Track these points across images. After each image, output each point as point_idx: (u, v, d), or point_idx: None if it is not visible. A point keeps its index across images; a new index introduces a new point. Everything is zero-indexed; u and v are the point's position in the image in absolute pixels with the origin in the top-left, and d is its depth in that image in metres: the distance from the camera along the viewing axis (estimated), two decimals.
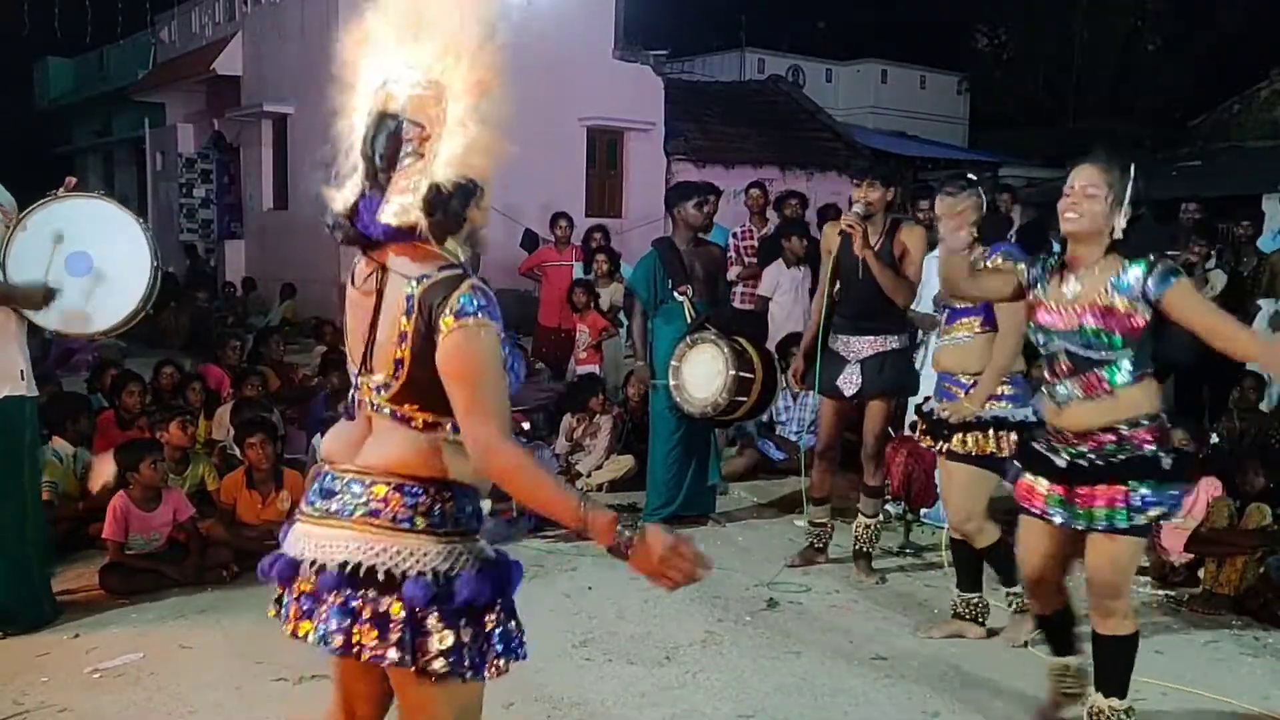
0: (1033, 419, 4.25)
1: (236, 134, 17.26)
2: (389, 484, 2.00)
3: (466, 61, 1.96)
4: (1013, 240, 7.42)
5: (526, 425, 6.85)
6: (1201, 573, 4.86)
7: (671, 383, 5.60)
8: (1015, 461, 3.40)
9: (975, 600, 4.36)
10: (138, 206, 20.13)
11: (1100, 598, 3.16)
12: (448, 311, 1.92)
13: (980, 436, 4.07)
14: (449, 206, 1.97)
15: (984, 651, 4.19)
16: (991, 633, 4.33)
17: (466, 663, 1.96)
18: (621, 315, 8.34)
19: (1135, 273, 3.01)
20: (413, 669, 1.95)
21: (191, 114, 18.97)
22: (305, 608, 2.02)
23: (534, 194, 13.45)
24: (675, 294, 5.73)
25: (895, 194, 4.94)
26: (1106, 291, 3.03)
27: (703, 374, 5.54)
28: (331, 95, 2.04)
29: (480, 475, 1.99)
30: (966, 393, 4.14)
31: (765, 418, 7.04)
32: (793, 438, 7.17)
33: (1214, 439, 5.97)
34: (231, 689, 3.73)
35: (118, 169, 22.93)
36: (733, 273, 7.96)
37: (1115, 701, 3.18)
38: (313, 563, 2.00)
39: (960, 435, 4.09)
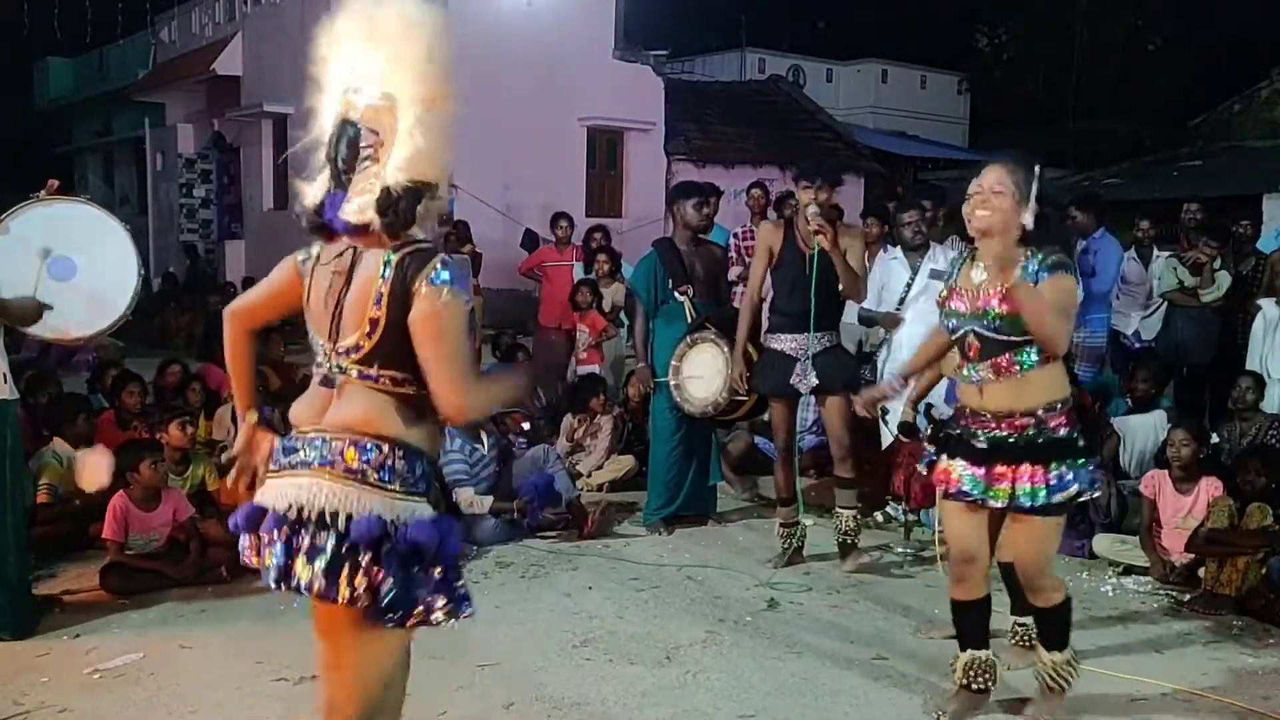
0: None
1: (236, 134, 17.27)
2: (344, 439, 2.17)
3: (413, 76, 2.16)
4: None
5: (526, 425, 6.84)
6: (1202, 573, 4.85)
7: (672, 382, 5.60)
8: (930, 448, 3.55)
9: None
10: (138, 207, 20.18)
11: (1029, 578, 3.44)
12: (423, 279, 2.13)
13: None
14: (398, 207, 2.16)
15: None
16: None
17: (392, 605, 2.12)
18: (623, 315, 8.35)
19: (1035, 261, 3.21)
20: (337, 601, 2.10)
21: (191, 114, 18.98)
22: (263, 544, 2.20)
23: (534, 194, 13.48)
24: (676, 294, 5.73)
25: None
26: (1012, 278, 3.19)
27: (703, 374, 5.54)
28: (308, 92, 2.22)
29: (452, 419, 2.23)
30: None
31: (766, 417, 7.02)
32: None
33: (1215, 439, 5.96)
34: (232, 689, 3.72)
35: (118, 169, 22.94)
36: (734, 273, 7.94)
37: (1057, 655, 3.46)
38: (271, 508, 2.18)
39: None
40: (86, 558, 5.04)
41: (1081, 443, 3.29)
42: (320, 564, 2.09)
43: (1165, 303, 7.50)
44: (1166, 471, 5.26)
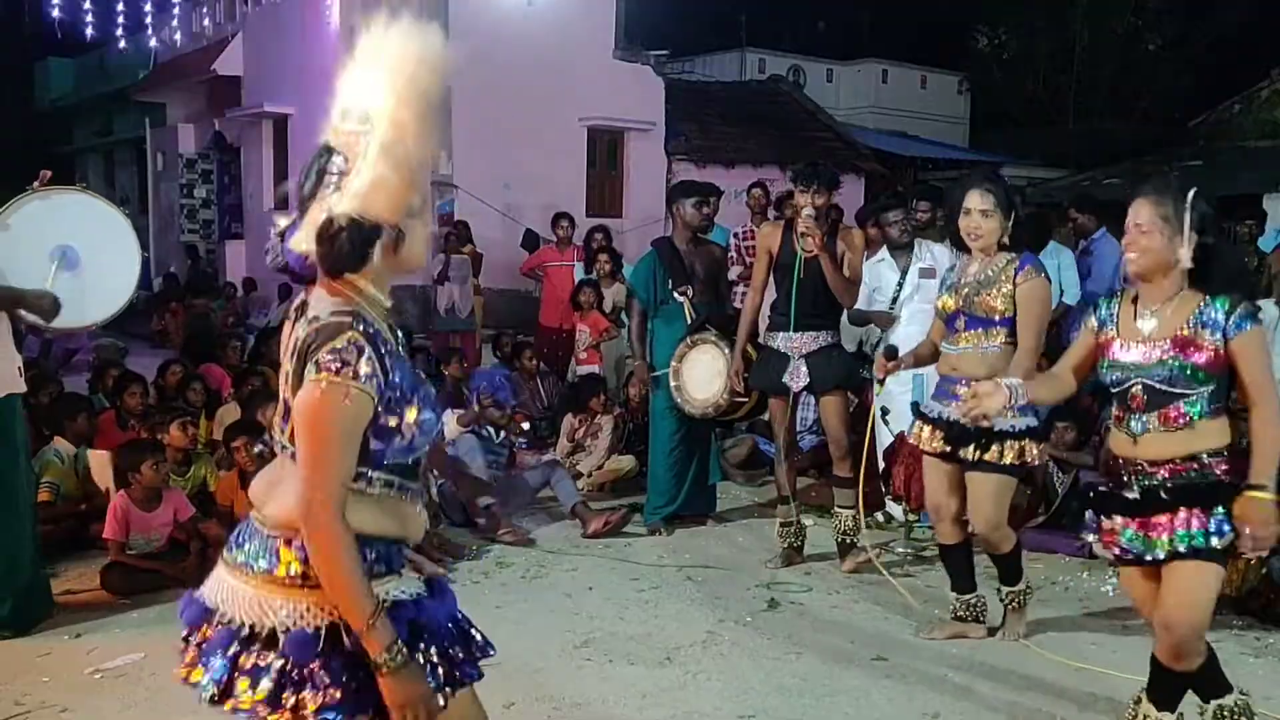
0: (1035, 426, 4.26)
1: (237, 134, 17.27)
2: (281, 538, 1.96)
3: (396, 99, 1.90)
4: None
5: (526, 425, 6.86)
6: None
7: (672, 383, 5.61)
8: (1089, 512, 3.24)
9: (974, 600, 4.36)
10: (138, 207, 20.17)
11: (1181, 635, 3.02)
12: (312, 361, 1.88)
13: (1017, 446, 4.03)
14: (337, 240, 1.91)
15: (984, 651, 4.19)
16: (991, 631, 4.33)
17: (350, 712, 1.90)
18: (624, 315, 8.35)
19: (1219, 309, 2.92)
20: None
21: (192, 114, 18.99)
22: (203, 656, 2.00)
23: (534, 194, 13.48)
24: (675, 294, 5.73)
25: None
26: (1189, 325, 2.94)
27: (703, 374, 5.54)
28: (331, 97, 2.03)
29: (299, 519, 1.90)
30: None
31: (766, 417, 7.03)
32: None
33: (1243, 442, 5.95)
34: None
35: (119, 169, 22.95)
36: (734, 272, 7.96)
37: (1169, 716, 3.16)
38: (219, 614, 1.99)
39: (997, 446, 4.02)
40: (87, 558, 5.05)
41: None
42: (261, 688, 1.89)
43: None
44: None
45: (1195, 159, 17.79)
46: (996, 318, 4.10)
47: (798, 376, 5.02)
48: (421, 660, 1.95)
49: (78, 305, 4.20)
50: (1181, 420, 2.97)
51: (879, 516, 6.01)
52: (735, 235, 8.46)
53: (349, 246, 1.91)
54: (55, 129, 25.58)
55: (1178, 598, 2.99)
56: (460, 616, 2.11)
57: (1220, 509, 2.94)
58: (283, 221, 2.04)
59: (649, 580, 5.01)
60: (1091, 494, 3.25)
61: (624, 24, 15.60)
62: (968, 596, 4.36)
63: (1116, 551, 3.10)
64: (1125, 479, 3.06)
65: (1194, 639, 3.03)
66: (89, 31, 10.26)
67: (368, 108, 1.92)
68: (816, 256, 4.88)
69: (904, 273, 5.91)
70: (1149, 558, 3.00)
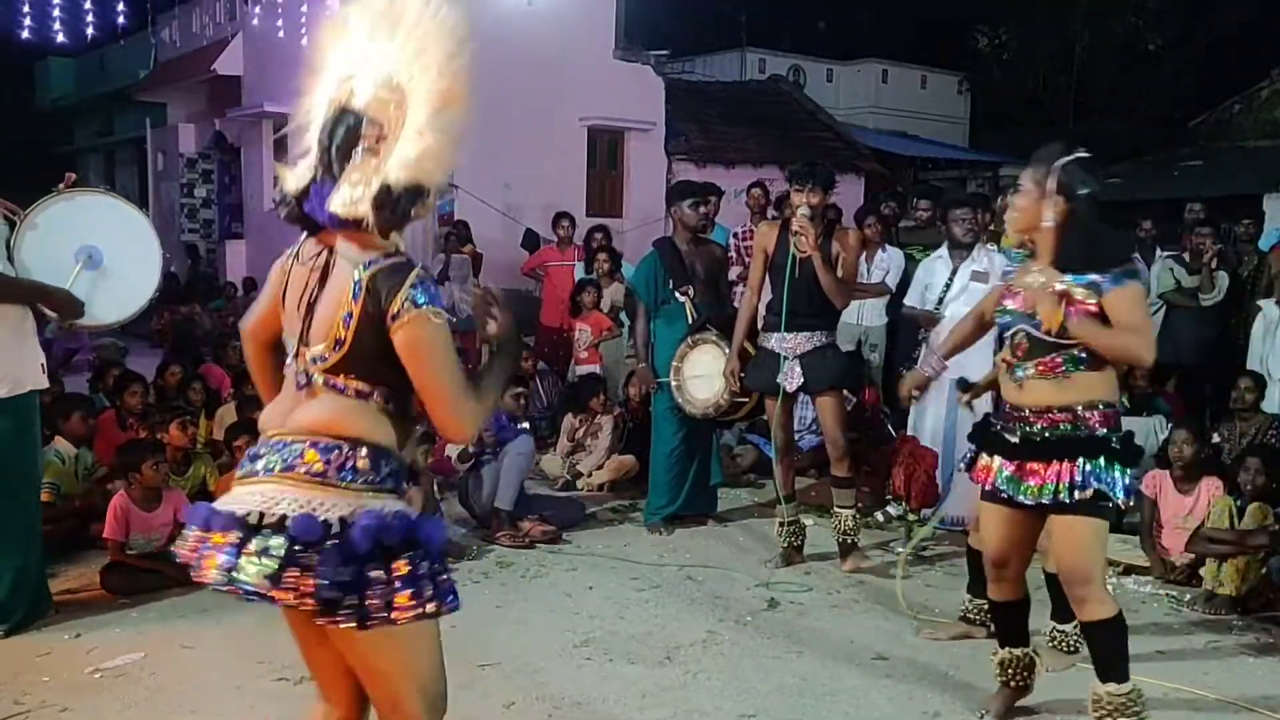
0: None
1: (237, 134, 17.27)
2: (306, 441, 2.10)
3: (435, 71, 2.06)
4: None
5: (526, 425, 6.85)
6: (1203, 572, 4.86)
7: (673, 383, 5.61)
8: (971, 444, 3.42)
9: (985, 605, 4.32)
10: (139, 206, 20.15)
11: (1069, 584, 3.21)
12: (402, 302, 2.05)
13: None
14: (397, 205, 2.08)
15: (984, 651, 4.18)
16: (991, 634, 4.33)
17: (330, 603, 1.99)
18: (623, 315, 8.35)
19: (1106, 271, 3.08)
20: (296, 606, 2.02)
21: (192, 114, 18.99)
22: (208, 549, 2.07)
23: (535, 194, 13.48)
24: (676, 295, 5.73)
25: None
26: (1068, 280, 3.09)
27: (704, 374, 5.54)
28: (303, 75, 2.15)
29: (454, 439, 2.21)
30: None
31: (767, 417, 7.03)
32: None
33: (1215, 439, 5.97)
34: (232, 689, 3.73)
35: (119, 169, 22.94)
36: (734, 272, 7.95)
37: (1113, 686, 3.11)
38: (228, 513, 2.07)
39: None
40: (87, 558, 5.05)
41: (1117, 444, 3.11)
42: (269, 563, 1.98)
43: (1164, 304, 7.51)
44: (1167, 472, 5.27)
45: (1195, 159, 17.81)
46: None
47: (792, 377, 5.01)
48: (410, 569, 2.06)
49: (99, 305, 4.28)
50: (1058, 370, 3.12)
51: (879, 516, 6.02)
52: (735, 235, 8.46)
53: (407, 210, 2.10)
54: (56, 129, 25.58)
55: (1061, 545, 3.21)
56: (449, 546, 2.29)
57: (1086, 462, 3.08)
58: (293, 176, 2.14)
59: (649, 580, 5.01)
60: (980, 430, 3.38)
61: (624, 24, 15.61)
62: (980, 601, 4.19)
63: (988, 489, 3.28)
64: (1009, 424, 3.23)
65: (1084, 584, 3.15)
66: (59, 37, 10.29)
67: (395, 76, 2.06)
68: (809, 259, 4.88)
69: (954, 273, 5.83)
70: (1017, 499, 3.18)
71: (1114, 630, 3.17)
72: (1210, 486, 5.11)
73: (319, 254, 2.16)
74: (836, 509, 5.15)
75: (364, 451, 2.10)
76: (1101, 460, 3.09)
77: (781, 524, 5.25)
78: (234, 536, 2.01)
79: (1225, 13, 23.50)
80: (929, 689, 3.83)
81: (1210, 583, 4.76)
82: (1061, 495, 3.09)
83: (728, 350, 5.42)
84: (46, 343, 9.20)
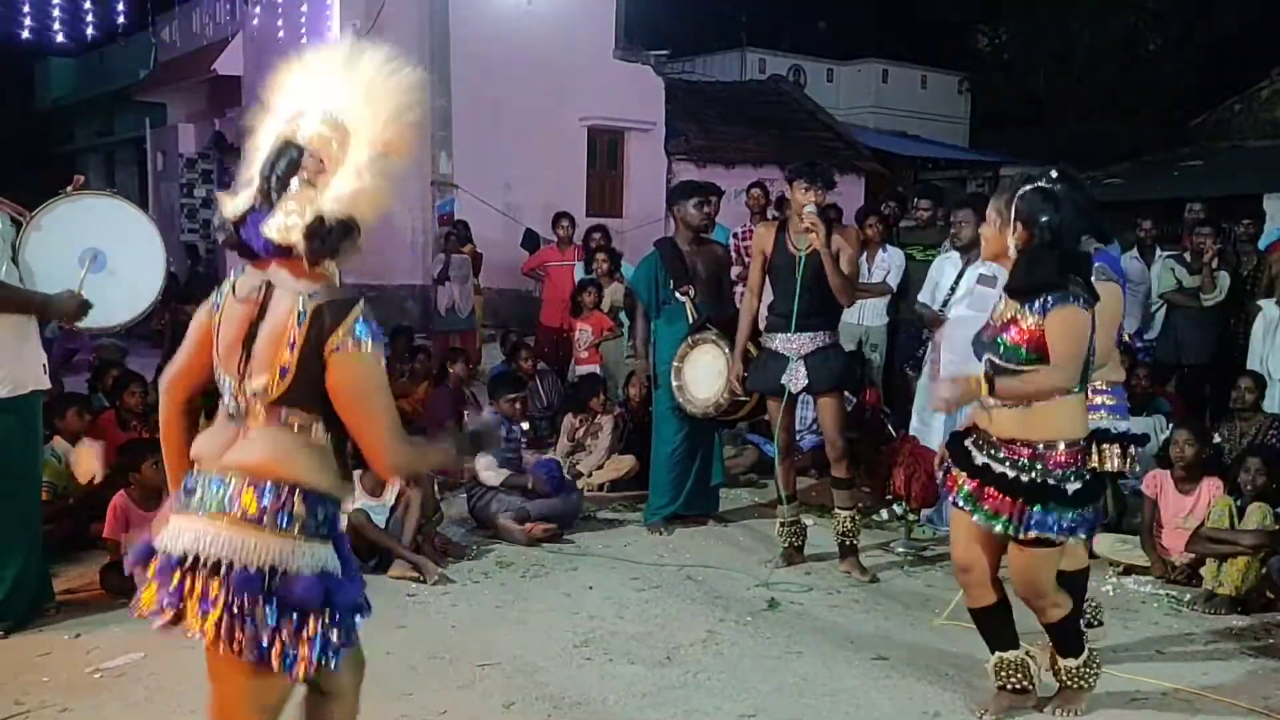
0: (1135, 432, 4.22)
1: (237, 134, 17.26)
2: (247, 481, 2.15)
3: (383, 119, 2.15)
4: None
5: (526, 425, 6.85)
6: (1202, 573, 4.86)
7: (674, 383, 5.61)
8: (948, 455, 3.48)
9: (1019, 660, 4.15)
10: (139, 207, 20.16)
11: (1025, 599, 3.44)
12: (343, 334, 2.13)
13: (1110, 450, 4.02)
14: (328, 237, 2.14)
15: (984, 651, 4.18)
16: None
17: (274, 655, 2.10)
18: (622, 315, 8.35)
19: (1047, 295, 3.16)
20: (230, 651, 2.10)
21: (192, 114, 18.98)
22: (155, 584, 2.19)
23: (535, 194, 13.48)
24: (677, 294, 5.73)
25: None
26: (1023, 309, 3.19)
27: (705, 374, 5.54)
28: (254, 111, 2.23)
29: (381, 475, 2.30)
30: None
31: (767, 417, 7.03)
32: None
33: (1216, 439, 5.97)
34: None
35: (119, 169, 22.92)
36: (733, 272, 7.95)
37: (1072, 660, 3.49)
38: (165, 551, 2.18)
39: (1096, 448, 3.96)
40: (87, 558, 5.05)
41: (1073, 489, 3.20)
42: (211, 617, 2.09)
43: (1165, 304, 7.51)
44: (1168, 472, 5.27)
45: (1195, 159, 17.80)
46: None
47: (796, 378, 5.01)
48: (319, 629, 2.14)
49: (104, 307, 4.28)
50: (1022, 401, 3.21)
51: (883, 514, 6.02)
52: (735, 235, 8.46)
53: (336, 243, 2.16)
54: (56, 129, 25.58)
55: (1014, 567, 3.38)
56: (362, 603, 2.29)
57: (1040, 506, 3.18)
58: (232, 203, 2.22)
59: (649, 580, 5.01)
60: (956, 441, 3.46)
61: (624, 24, 15.60)
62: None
63: (952, 499, 3.41)
64: (979, 444, 3.34)
65: (1039, 598, 3.40)
66: (59, 37, 10.32)
67: (340, 117, 2.16)
68: (814, 257, 4.87)
69: (960, 274, 5.76)
70: (974, 518, 3.30)
71: (1070, 622, 3.49)
72: (1211, 486, 5.11)
73: (258, 287, 2.20)
74: (836, 510, 5.15)
75: (300, 496, 2.15)
76: (1051, 504, 3.18)
77: (783, 524, 5.25)
78: (173, 578, 2.12)
79: (1225, 13, 23.49)
80: (929, 689, 3.83)
81: (1210, 583, 4.76)
82: (1010, 530, 3.23)
83: (728, 350, 5.42)
84: (47, 342, 9.19)
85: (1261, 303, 6.91)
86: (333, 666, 2.19)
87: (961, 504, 3.34)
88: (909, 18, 28.06)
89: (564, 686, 3.80)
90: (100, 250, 4.25)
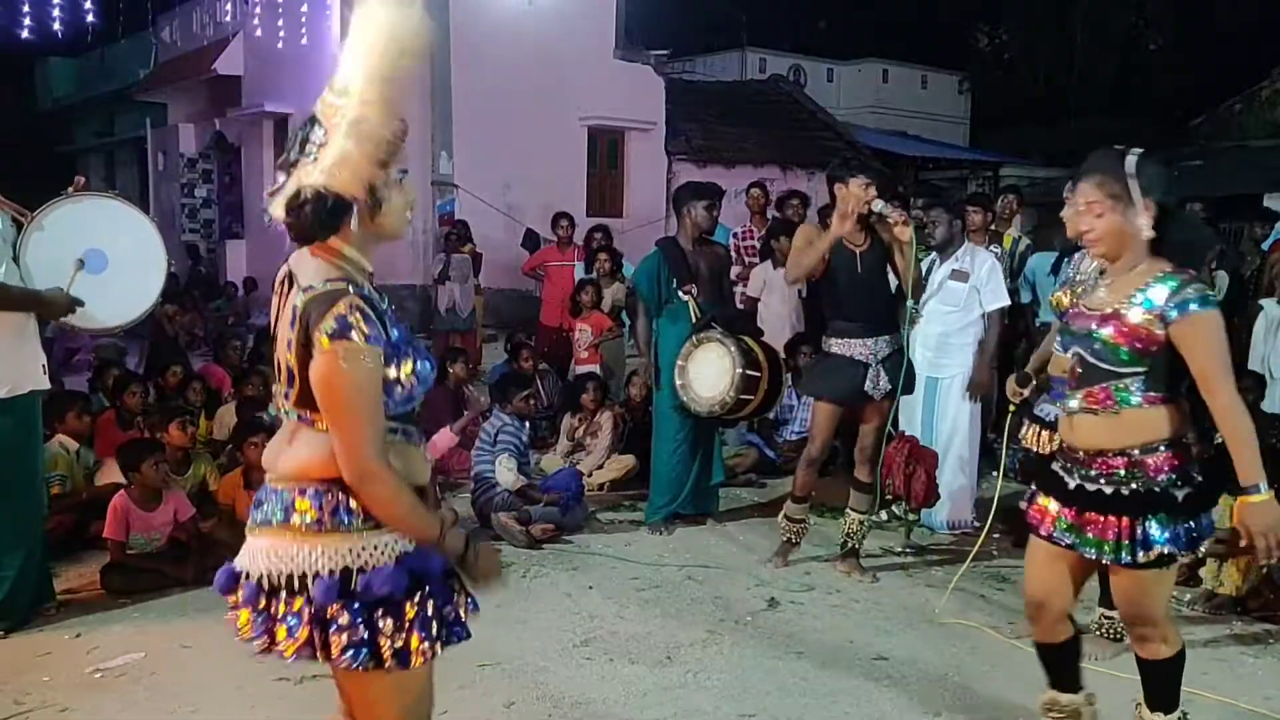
0: None
1: (238, 134, 17.27)
2: (296, 489, 2.08)
3: (364, 75, 1.97)
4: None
5: (527, 425, 6.86)
6: (1203, 572, 4.86)
7: (678, 382, 5.61)
8: (1030, 483, 3.11)
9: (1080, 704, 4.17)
10: (139, 206, 20.16)
11: (1130, 625, 3.01)
12: (321, 330, 1.95)
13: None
14: (302, 211, 2.00)
15: (984, 651, 4.20)
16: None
17: (385, 653, 2.04)
18: (624, 315, 8.35)
19: (1163, 289, 2.71)
20: (330, 663, 2.05)
21: (193, 114, 19.00)
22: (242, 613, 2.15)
23: (535, 194, 13.49)
24: (680, 293, 5.73)
25: None
26: (1128, 301, 2.75)
27: (709, 373, 5.54)
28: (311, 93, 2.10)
29: (348, 480, 2.02)
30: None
31: (771, 415, 7.04)
32: (794, 437, 7.17)
33: (1217, 439, 5.96)
34: (233, 688, 3.73)
35: (119, 169, 22.94)
36: (732, 272, 7.96)
37: (1161, 716, 3.04)
38: (246, 574, 2.12)
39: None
40: (87, 558, 5.05)
41: (1182, 495, 2.76)
42: (300, 634, 2.04)
43: None
44: None
45: (1195, 159, 17.80)
46: None
47: (880, 383, 4.87)
48: (418, 611, 2.07)
49: (104, 307, 4.29)
50: (1109, 404, 2.79)
51: (883, 514, 6.02)
52: (735, 235, 8.46)
53: (312, 218, 2.01)
54: (56, 128, 25.60)
55: (1121, 594, 2.95)
56: (454, 576, 2.18)
57: (1153, 519, 2.75)
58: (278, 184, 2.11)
59: (649, 580, 5.02)
60: (1038, 464, 3.11)
61: (624, 24, 15.62)
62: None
63: (1044, 534, 2.95)
64: (1068, 465, 2.92)
65: (1147, 625, 2.93)
66: (60, 37, 10.32)
67: (347, 81, 1.99)
68: (869, 254, 4.82)
69: (929, 271, 5.77)
70: (1087, 554, 2.86)
71: (1173, 668, 3.00)
72: None
73: (282, 280, 2.11)
74: (849, 510, 5.11)
75: (348, 491, 2.06)
76: (1162, 515, 2.75)
77: (790, 519, 5.22)
78: (258, 605, 2.08)
79: (1225, 13, 23.50)
80: (929, 689, 3.83)
81: (1210, 583, 4.76)
82: (1124, 556, 2.77)
83: (732, 348, 5.43)
84: (47, 342, 9.21)
85: (1263, 302, 6.91)
86: (458, 640, 2.14)
87: (1061, 538, 2.89)
88: (909, 18, 28.08)
89: (564, 686, 3.80)
90: (100, 251, 4.25)
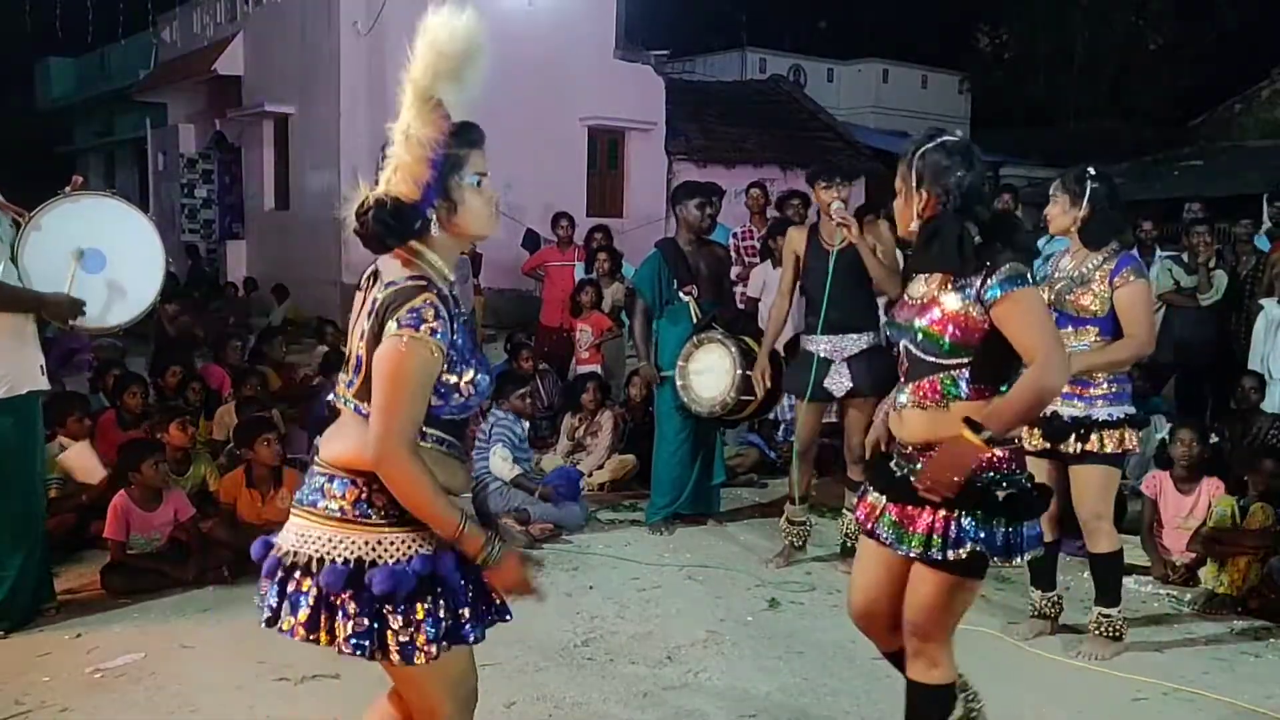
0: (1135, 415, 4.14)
1: (238, 134, 17.27)
2: (330, 476, 2.16)
3: (409, 85, 2.03)
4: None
5: (527, 424, 6.86)
6: (1203, 573, 4.86)
7: (679, 382, 5.60)
8: (865, 480, 2.94)
9: (1055, 598, 4.34)
10: (139, 207, 20.16)
11: (909, 634, 2.71)
12: (395, 319, 2.03)
13: (1119, 434, 3.96)
14: (366, 219, 2.07)
15: (983, 651, 4.19)
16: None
17: (391, 647, 2.08)
18: (624, 315, 8.35)
19: (979, 275, 2.56)
20: (332, 646, 2.09)
21: (193, 114, 19.00)
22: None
23: (535, 194, 13.48)
24: (681, 294, 5.73)
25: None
26: (946, 288, 2.61)
27: (710, 373, 5.54)
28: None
29: (368, 462, 2.06)
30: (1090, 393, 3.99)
31: (772, 416, 7.04)
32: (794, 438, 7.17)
33: (1215, 439, 5.97)
34: (233, 688, 3.73)
35: (119, 169, 22.95)
36: (733, 273, 7.95)
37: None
38: (276, 545, 2.20)
39: (1097, 436, 3.94)
40: (87, 558, 5.05)
41: (1002, 495, 2.56)
42: (301, 613, 2.09)
43: (1163, 304, 7.51)
44: (1168, 472, 5.27)
45: (1195, 159, 17.82)
46: (1088, 316, 3.98)
47: (841, 381, 4.91)
48: (428, 612, 2.10)
49: (103, 307, 4.29)
50: (933, 397, 2.62)
51: None
52: (735, 235, 8.46)
53: (376, 224, 2.07)
54: (56, 129, 25.62)
55: (914, 600, 2.67)
56: (481, 578, 2.20)
57: (967, 515, 2.54)
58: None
59: (649, 580, 5.01)
60: (876, 461, 2.95)
61: (624, 24, 15.63)
62: (1050, 594, 4.32)
63: (869, 527, 2.77)
64: (900, 461, 2.75)
65: (928, 642, 2.68)
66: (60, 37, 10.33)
67: (406, 94, 2.06)
68: (847, 253, 4.84)
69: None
70: (900, 551, 2.65)
71: (937, 700, 2.75)
72: (1210, 486, 5.11)
73: (368, 275, 2.20)
74: (845, 510, 5.12)
75: (376, 485, 2.10)
76: (980, 514, 2.54)
77: (791, 522, 5.23)
78: (277, 577, 2.14)
79: (1225, 13, 23.51)
80: None
81: (1210, 583, 4.76)
82: (933, 551, 2.56)
83: (733, 349, 5.43)
84: (47, 343, 9.22)
85: (1263, 302, 6.91)
86: (472, 640, 2.18)
87: (883, 534, 2.70)
88: (909, 17, 28.09)
89: (565, 686, 3.80)
90: (98, 250, 4.25)
